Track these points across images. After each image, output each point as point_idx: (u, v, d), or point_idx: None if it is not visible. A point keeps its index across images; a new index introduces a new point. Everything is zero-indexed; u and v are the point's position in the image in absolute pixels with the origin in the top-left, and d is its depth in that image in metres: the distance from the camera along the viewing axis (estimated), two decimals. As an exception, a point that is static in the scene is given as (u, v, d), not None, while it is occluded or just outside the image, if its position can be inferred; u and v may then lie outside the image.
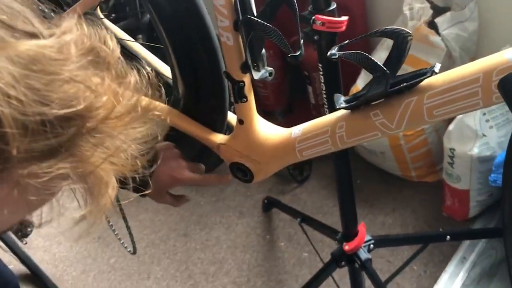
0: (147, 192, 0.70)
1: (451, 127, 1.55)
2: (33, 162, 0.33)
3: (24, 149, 0.32)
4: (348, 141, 0.71)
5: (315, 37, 0.89)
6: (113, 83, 0.38)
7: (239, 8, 0.67)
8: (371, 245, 1.29)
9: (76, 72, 0.34)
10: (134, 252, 1.15)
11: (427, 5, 1.62)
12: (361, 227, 1.26)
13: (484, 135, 1.49)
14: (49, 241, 2.01)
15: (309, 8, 0.91)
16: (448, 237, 1.44)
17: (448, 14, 1.56)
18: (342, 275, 1.47)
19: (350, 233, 1.25)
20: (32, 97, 0.31)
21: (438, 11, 1.61)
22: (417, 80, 0.61)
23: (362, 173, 1.95)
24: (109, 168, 0.39)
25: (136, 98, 0.40)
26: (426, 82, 0.61)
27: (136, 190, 0.66)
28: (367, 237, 1.28)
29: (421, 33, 1.62)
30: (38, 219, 0.57)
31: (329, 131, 0.72)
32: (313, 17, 0.87)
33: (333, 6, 0.89)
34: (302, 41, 0.71)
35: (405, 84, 0.62)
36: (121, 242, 1.20)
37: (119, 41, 1.06)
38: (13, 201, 0.36)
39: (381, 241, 1.32)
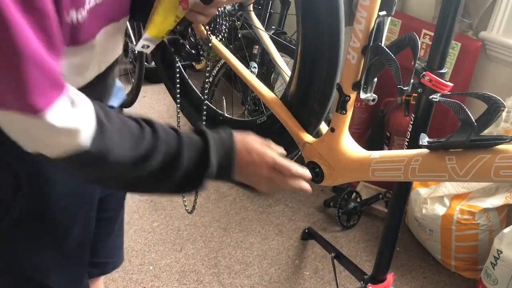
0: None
1: (506, 230, 1.59)
2: None
3: None
4: (418, 175, 0.82)
5: (419, 90, 1.02)
6: None
7: (373, 36, 0.82)
8: (392, 298, 1.35)
9: None
10: (191, 212, 1.29)
11: (525, 113, 1.69)
12: (390, 277, 1.33)
13: (535, 248, 1.51)
14: (109, 187, 2.22)
15: (422, 64, 1.04)
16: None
17: (541, 127, 1.62)
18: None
19: (378, 278, 1.32)
20: None
21: (533, 122, 1.68)
22: (496, 141, 0.72)
23: (405, 244, 2.01)
24: None
25: None
26: (502, 146, 0.72)
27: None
28: (391, 289, 1.35)
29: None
30: None
31: (405, 161, 0.83)
32: (424, 73, 1.01)
33: (445, 70, 1.02)
34: (412, 80, 0.84)
35: (485, 142, 0.73)
36: (184, 199, 1.35)
37: (254, 30, 1.25)
38: None
39: (402, 299, 1.38)
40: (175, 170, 0.70)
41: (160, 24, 0.75)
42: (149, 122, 0.70)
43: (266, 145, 0.80)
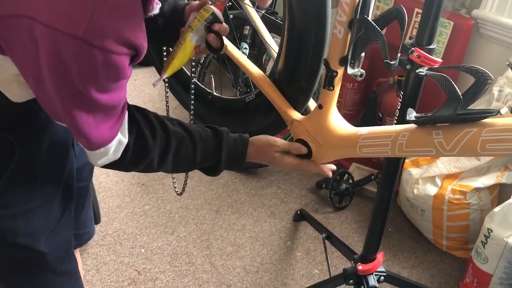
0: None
1: (497, 208, 1.59)
2: None
3: None
4: (405, 150, 0.81)
5: (407, 66, 1.01)
6: None
7: (359, 10, 0.80)
8: (382, 277, 1.36)
9: None
10: (181, 194, 1.29)
11: (517, 92, 1.68)
12: (380, 256, 1.33)
13: (526, 227, 1.52)
14: (100, 171, 2.21)
15: (411, 40, 1.03)
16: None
17: (533, 106, 1.62)
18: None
19: (367, 257, 1.33)
20: None
21: (526, 101, 1.67)
22: (483, 115, 0.71)
23: (397, 224, 2.01)
24: None
25: None
26: (489, 120, 0.71)
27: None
28: (381, 268, 1.35)
29: (501, 115, 1.68)
30: None
31: (393, 136, 0.82)
32: (413, 49, 0.99)
33: (433, 45, 1.01)
34: (399, 54, 0.83)
35: (471, 115, 0.72)
36: (173, 181, 1.34)
37: (244, 7, 1.23)
38: None
39: (392, 278, 1.39)
40: (193, 166, 0.91)
41: (177, 67, 0.88)
42: (164, 125, 0.85)
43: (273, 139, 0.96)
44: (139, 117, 0.82)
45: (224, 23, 0.86)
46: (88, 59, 0.60)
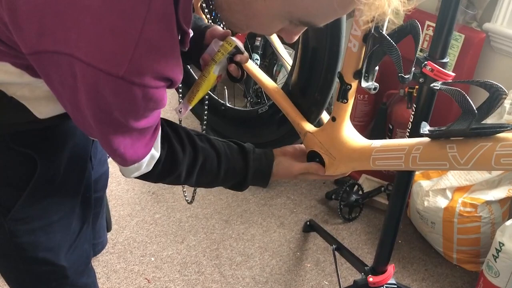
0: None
1: (509, 222, 1.58)
2: None
3: None
4: (419, 163, 0.82)
5: (420, 79, 1.02)
6: None
7: (374, 24, 0.81)
8: (393, 290, 1.35)
9: None
10: (191, 202, 1.29)
11: (528, 105, 1.68)
12: (390, 268, 1.33)
13: (537, 241, 1.51)
14: (111, 179, 2.22)
15: (423, 53, 1.03)
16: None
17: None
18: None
19: (378, 269, 1.32)
20: None
21: (537, 115, 1.66)
22: (497, 129, 0.72)
23: (407, 236, 2.00)
24: None
25: None
26: (503, 134, 0.72)
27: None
28: (392, 280, 1.35)
29: (512, 128, 1.68)
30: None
31: (406, 149, 0.83)
32: (426, 62, 1.00)
33: (446, 59, 1.02)
34: (413, 69, 0.84)
35: (486, 130, 0.73)
36: (183, 190, 1.35)
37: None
38: None
39: (403, 291, 1.38)
40: (216, 182, 0.94)
41: (200, 97, 0.92)
42: (192, 140, 0.87)
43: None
44: (169, 131, 0.84)
45: (245, 52, 0.88)
46: (128, 95, 0.61)
